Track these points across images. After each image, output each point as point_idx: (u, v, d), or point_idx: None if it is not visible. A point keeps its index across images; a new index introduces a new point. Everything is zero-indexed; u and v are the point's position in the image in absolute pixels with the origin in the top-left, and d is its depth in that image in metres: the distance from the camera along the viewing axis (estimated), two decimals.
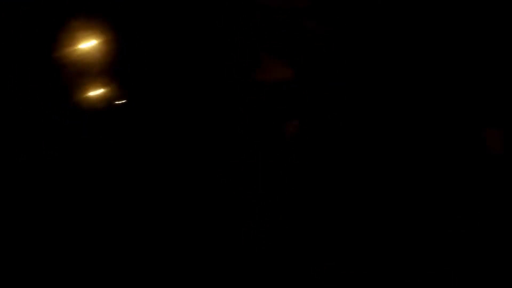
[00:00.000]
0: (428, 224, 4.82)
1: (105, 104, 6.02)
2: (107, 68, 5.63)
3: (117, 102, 6.05)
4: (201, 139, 5.78)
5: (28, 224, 5.38)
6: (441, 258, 4.61)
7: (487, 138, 4.64)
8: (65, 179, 5.83)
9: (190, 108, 5.84)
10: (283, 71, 5.22)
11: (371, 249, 4.83)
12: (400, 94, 5.14)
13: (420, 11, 5.04)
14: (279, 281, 4.86)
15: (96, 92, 5.98)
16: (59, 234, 5.39)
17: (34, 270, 5.01)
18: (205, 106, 5.75)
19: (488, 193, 4.72)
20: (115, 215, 5.63)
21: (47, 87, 5.67)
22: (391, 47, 5.14)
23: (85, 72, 5.62)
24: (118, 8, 5.29)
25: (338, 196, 5.13)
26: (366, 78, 5.22)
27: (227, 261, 5.07)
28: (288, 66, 5.21)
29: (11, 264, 4.97)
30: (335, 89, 5.26)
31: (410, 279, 4.51)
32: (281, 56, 5.22)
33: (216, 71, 5.63)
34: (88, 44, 5.39)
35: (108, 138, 6.09)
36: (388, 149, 5.10)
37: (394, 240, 4.84)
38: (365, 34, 5.17)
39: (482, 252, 4.51)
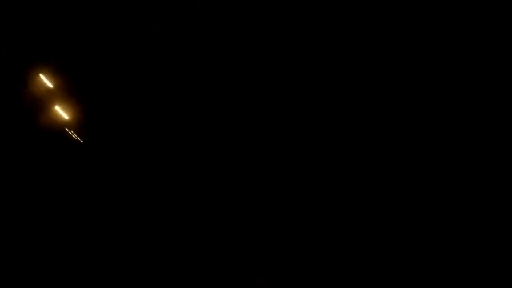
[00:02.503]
0: (428, 224, 4.82)
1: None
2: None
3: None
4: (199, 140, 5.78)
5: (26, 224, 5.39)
6: (441, 258, 4.61)
7: None
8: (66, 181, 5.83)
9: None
10: None
11: (371, 249, 4.83)
12: (400, 93, 5.14)
13: (420, 11, 5.05)
14: (279, 281, 4.86)
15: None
16: (58, 234, 5.39)
17: (34, 270, 5.01)
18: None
19: (488, 193, 4.72)
20: (116, 215, 5.64)
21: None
22: (391, 47, 5.15)
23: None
24: None
25: (338, 196, 5.13)
26: (366, 78, 5.23)
27: (227, 261, 5.08)
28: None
29: (11, 264, 4.98)
30: (335, 89, 5.26)
31: (410, 279, 4.52)
32: None
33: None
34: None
35: (108, 140, 6.10)
36: (388, 149, 5.11)
37: (394, 240, 4.84)
38: (365, 34, 5.17)
39: (482, 252, 4.51)
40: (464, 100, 4.96)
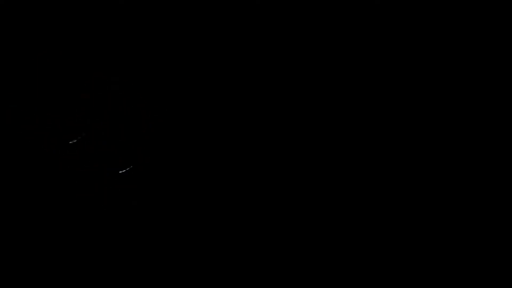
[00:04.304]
0: (428, 224, 4.82)
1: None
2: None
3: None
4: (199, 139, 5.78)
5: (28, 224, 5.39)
6: (441, 258, 4.61)
7: None
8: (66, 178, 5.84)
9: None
10: None
11: (371, 249, 4.83)
12: (400, 94, 5.15)
13: (419, 11, 5.05)
14: (279, 281, 4.86)
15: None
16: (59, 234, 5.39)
17: (34, 270, 5.01)
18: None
19: (488, 193, 4.73)
20: (114, 215, 5.64)
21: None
22: (391, 47, 5.15)
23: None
24: None
25: (338, 196, 5.13)
26: (366, 78, 5.23)
27: (227, 261, 5.07)
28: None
29: (11, 264, 4.98)
30: (335, 89, 5.26)
31: (410, 279, 4.52)
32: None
33: None
34: None
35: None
36: (388, 149, 5.11)
37: (393, 240, 4.84)
38: (365, 34, 5.18)
39: (482, 252, 4.52)
40: (464, 100, 4.97)
